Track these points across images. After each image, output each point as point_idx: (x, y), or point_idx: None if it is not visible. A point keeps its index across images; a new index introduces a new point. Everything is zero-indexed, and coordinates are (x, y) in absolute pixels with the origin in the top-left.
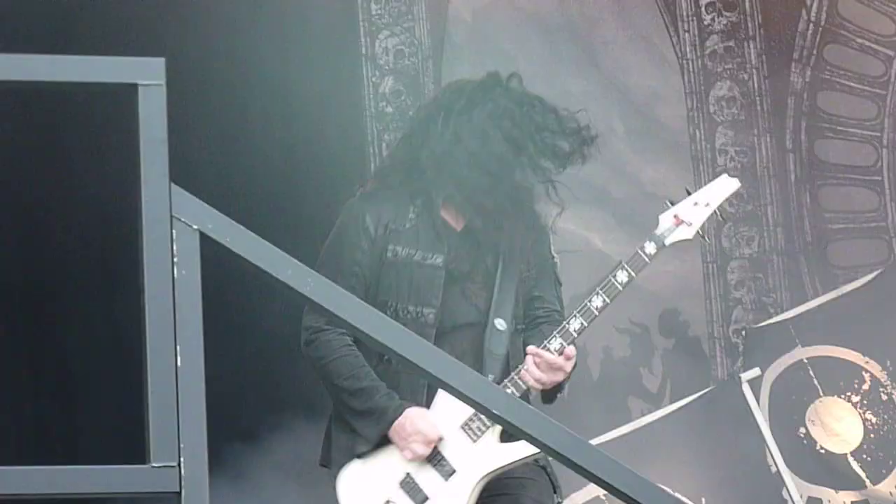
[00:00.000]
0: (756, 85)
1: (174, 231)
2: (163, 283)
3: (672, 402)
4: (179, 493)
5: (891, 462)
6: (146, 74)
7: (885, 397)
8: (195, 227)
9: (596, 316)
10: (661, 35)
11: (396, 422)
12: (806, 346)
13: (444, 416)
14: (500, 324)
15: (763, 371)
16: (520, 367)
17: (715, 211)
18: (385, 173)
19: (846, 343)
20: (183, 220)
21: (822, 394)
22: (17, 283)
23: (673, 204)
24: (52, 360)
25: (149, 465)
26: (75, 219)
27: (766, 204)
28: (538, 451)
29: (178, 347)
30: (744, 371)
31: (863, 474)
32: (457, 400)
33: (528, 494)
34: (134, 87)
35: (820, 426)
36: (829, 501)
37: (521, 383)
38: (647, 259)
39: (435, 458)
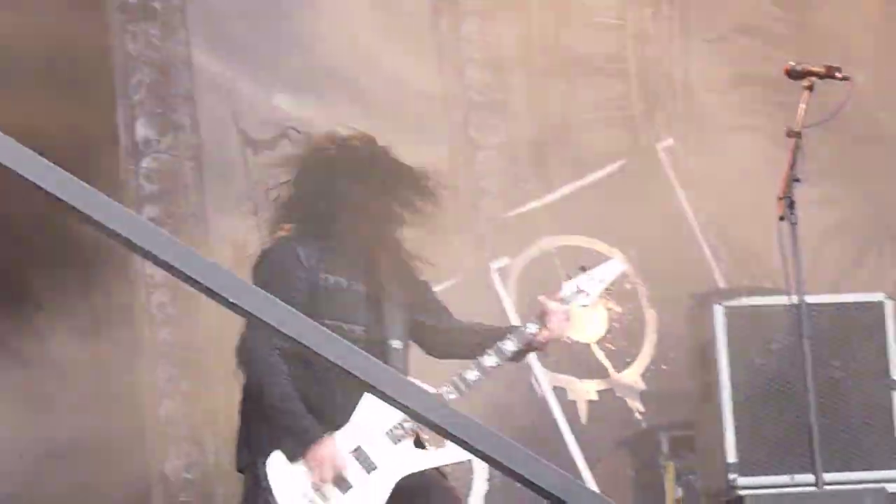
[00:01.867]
0: None
1: None
2: None
3: None
4: None
5: (634, 351)
6: None
7: (629, 286)
8: None
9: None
10: None
11: (312, 448)
12: (553, 236)
13: (369, 421)
14: (397, 343)
15: (512, 260)
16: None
17: (608, 287)
18: (297, 218)
19: (592, 232)
20: None
21: None
22: None
23: (570, 277)
24: None
25: None
26: None
27: (513, 93)
28: (448, 460)
29: None
30: (493, 260)
31: (607, 363)
32: (381, 408)
33: None
34: None
35: None
36: (573, 391)
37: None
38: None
39: (360, 455)
